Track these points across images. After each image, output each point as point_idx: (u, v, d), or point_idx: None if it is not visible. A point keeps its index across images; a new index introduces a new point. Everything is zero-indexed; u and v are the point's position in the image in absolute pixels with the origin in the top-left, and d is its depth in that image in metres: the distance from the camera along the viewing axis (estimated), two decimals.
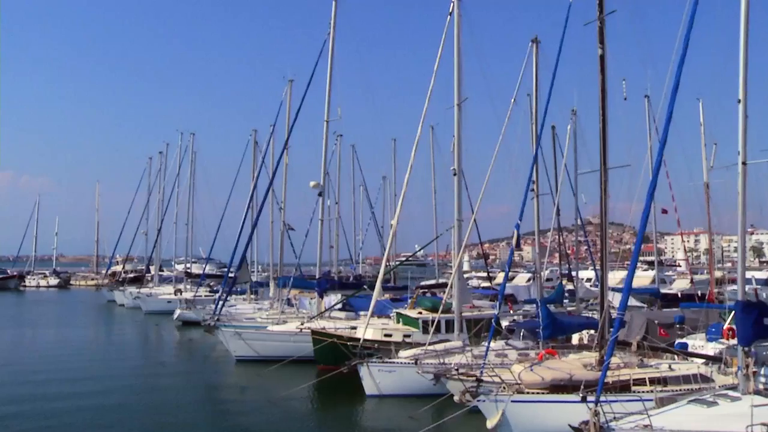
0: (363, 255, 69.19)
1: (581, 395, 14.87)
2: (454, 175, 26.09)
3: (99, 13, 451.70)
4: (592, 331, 26.88)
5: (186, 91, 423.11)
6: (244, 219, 44.29)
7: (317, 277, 36.14)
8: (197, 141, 67.90)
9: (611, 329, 21.61)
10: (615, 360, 19.97)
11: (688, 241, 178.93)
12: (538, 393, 18.02)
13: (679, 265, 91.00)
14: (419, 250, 45.31)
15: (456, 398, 18.24)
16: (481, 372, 18.68)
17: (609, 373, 18.78)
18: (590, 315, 30.37)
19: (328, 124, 34.59)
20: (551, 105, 21.01)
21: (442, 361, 22.17)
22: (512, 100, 23.67)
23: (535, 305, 34.81)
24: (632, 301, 38.23)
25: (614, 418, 14.17)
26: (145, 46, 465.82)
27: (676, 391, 17.27)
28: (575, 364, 19.26)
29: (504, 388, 18.06)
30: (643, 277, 62.74)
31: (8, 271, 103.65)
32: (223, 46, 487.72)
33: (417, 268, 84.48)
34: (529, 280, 76.87)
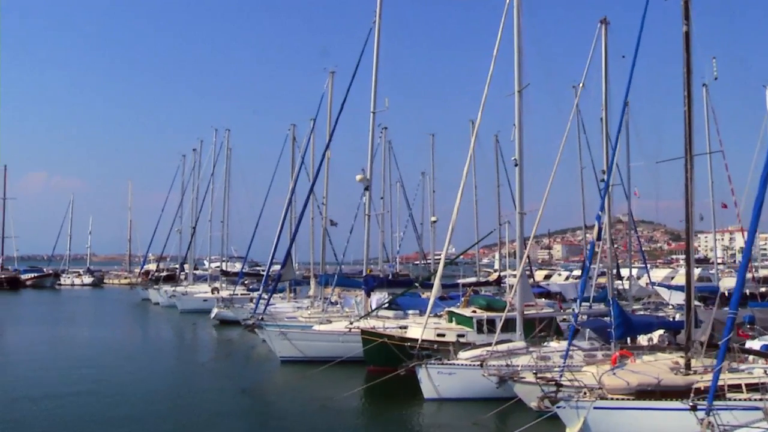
0: (400, 253, 67.93)
1: (690, 403, 13.37)
2: (516, 165, 24.64)
3: (129, 14, 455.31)
4: (661, 331, 25.46)
5: (218, 90, 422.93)
6: (284, 216, 43.20)
7: (363, 274, 34.83)
8: (235, 135, 66.79)
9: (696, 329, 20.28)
10: (702, 363, 18.47)
11: (722, 239, 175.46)
12: (622, 399, 16.54)
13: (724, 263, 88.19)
14: (472, 246, 43.84)
15: (533, 404, 16.87)
16: (560, 376, 17.21)
17: (697, 377, 17.34)
18: (659, 315, 28.68)
19: (374, 116, 33.33)
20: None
21: (508, 362, 20.76)
22: (580, 85, 22.32)
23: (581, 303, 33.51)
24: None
25: (725, 429, 12.69)
26: (177, 45, 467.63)
27: None
28: (661, 368, 17.71)
29: (585, 393, 16.63)
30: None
31: (44, 269, 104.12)
32: (255, 43, 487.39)
33: (449, 266, 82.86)
34: (567, 278, 75.28)
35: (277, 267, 46.74)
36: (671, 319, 26.89)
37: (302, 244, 48.07)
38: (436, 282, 25.96)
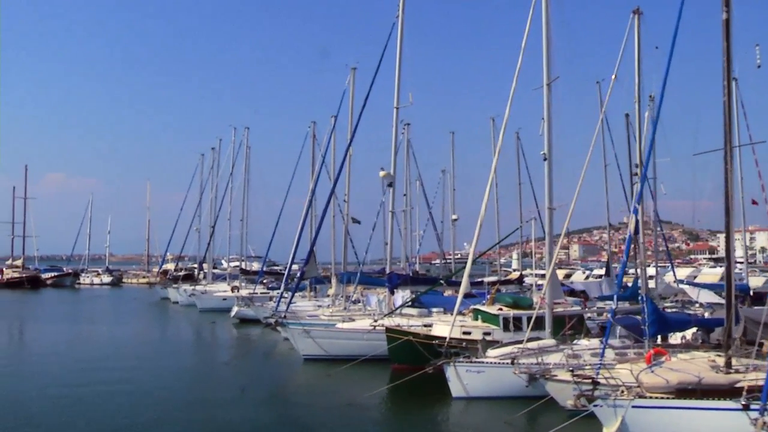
0: (420, 252, 67.35)
1: (743, 402, 12.83)
2: (545, 159, 24.17)
3: (147, 15, 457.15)
4: (694, 330, 24.90)
5: (237, 89, 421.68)
6: (306, 214, 42.88)
7: (387, 272, 34.43)
8: (253, 134, 66.61)
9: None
10: (740, 362, 17.93)
11: (740, 238, 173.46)
12: (662, 398, 16.02)
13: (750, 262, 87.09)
14: (497, 244, 43.26)
15: (569, 403, 16.37)
16: (597, 373, 16.71)
17: (739, 376, 16.81)
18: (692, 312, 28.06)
19: (398, 111, 32.92)
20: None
21: (539, 360, 20.29)
22: (613, 77, 21.75)
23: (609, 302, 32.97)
24: (716, 298, 35.87)
25: None
26: (195, 44, 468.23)
27: None
28: (702, 366, 17.16)
29: (623, 392, 16.13)
30: (711, 275, 60.02)
31: (64, 269, 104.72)
32: (275, 42, 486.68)
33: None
34: (588, 277, 74.56)
35: (296, 266, 46.70)
36: (702, 317, 26.29)
37: (321, 244, 47.69)
38: (465, 279, 25.55)
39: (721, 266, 73.89)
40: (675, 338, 24.72)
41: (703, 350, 20.83)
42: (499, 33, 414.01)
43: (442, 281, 36.63)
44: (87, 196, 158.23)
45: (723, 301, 36.59)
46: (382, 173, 33.45)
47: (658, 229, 39.26)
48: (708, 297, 35.53)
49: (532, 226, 36.36)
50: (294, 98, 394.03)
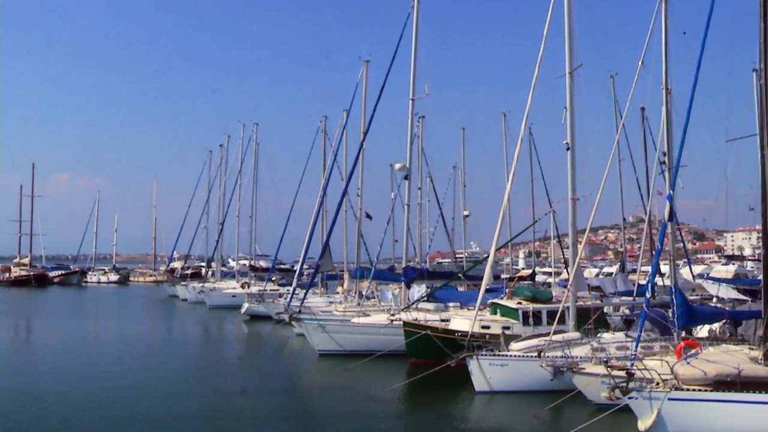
0: (431, 250, 66.59)
1: None
2: (567, 149, 23.67)
3: (152, 13, 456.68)
4: (720, 324, 24.36)
5: (245, 87, 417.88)
6: (318, 209, 42.41)
7: (403, 266, 33.92)
8: (260, 132, 66.06)
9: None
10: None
11: (749, 238, 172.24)
12: (700, 390, 15.48)
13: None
14: (514, 238, 42.72)
15: (603, 395, 15.85)
16: (632, 364, 16.19)
17: None
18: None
19: (413, 102, 32.43)
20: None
21: (566, 353, 19.79)
22: (640, 63, 21.26)
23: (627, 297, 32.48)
24: (736, 294, 35.34)
25: None
26: (201, 41, 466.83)
27: None
28: (740, 357, 16.61)
29: (658, 384, 15.60)
30: (724, 272, 59.34)
31: (71, 267, 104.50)
32: (282, 38, 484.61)
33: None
34: (597, 275, 73.91)
35: (308, 262, 46.28)
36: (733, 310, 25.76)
37: (332, 242, 47.21)
38: (488, 270, 25.10)
39: (733, 264, 73.37)
40: (699, 333, 24.21)
41: (732, 343, 20.33)
42: (508, 28, 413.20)
43: (461, 275, 36.05)
44: (92, 195, 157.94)
45: (743, 297, 36.30)
46: (398, 166, 32.95)
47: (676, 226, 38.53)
48: (728, 292, 34.92)
49: (551, 219, 35.81)
50: (303, 94, 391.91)
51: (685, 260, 46.86)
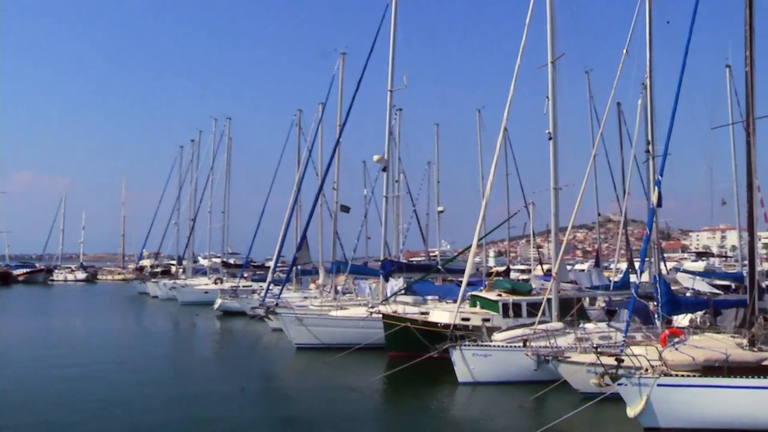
0: (404, 248, 66.19)
1: None
2: (550, 139, 23.57)
3: (118, 6, 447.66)
4: (701, 313, 24.49)
5: (216, 83, 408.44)
6: (294, 203, 41.94)
7: (381, 259, 33.60)
8: (235, 128, 65.14)
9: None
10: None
11: (714, 236, 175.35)
12: (688, 376, 15.40)
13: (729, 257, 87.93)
14: (493, 230, 42.35)
15: (593, 382, 15.69)
16: (621, 351, 16.07)
17: (766, 354, 16.29)
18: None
19: (392, 94, 32.12)
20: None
21: (551, 342, 19.65)
22: (624, 52, 21.22)
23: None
24: (710, 288, 35.65)
25: None
26: (170, 36, 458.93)
27: None
28: (728, 343, 16.60)
29: (647, 370, 15.49)
30: (695, 268, 60.13)
31: (36, 265, 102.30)
32: (254, 32, 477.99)
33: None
34: (570, 271, 74.25)
35: (281, 259, 45.80)
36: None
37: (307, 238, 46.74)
38: (470, 261, 24.86)
39: (702, 260, 74.53)
40: (679, 323, 24.29)
41: (713, 332, 20.38)
42: (484, 24, 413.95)
43: (440, 267, 35.83)
44: (57, 194, 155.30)
45: (716, 291, 36.62)
46: (376, 157, 32.64)
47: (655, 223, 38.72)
48: (702, 286, 35.21)
49: (531, 210, 35.78)
50: (279, 89, 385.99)
51: (660, 256, 47.07)
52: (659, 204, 17.06)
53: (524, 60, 23.98)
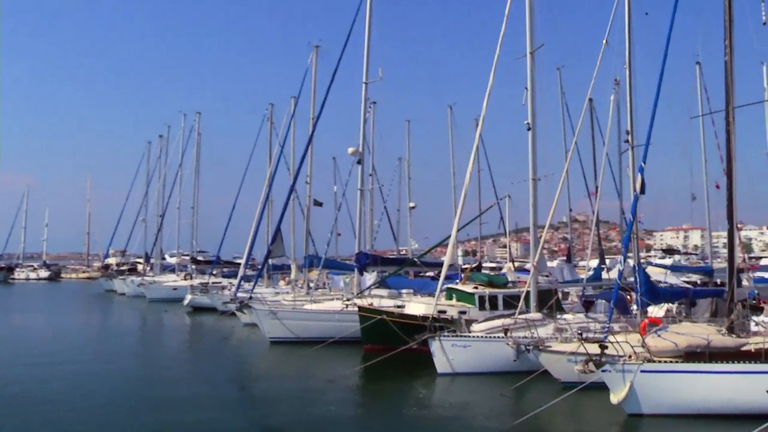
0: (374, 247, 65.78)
1: None
2: (528, 129, 23.58)
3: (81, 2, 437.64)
4: (675, 305, 24.67)
5: (186, 78, 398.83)
6: (265, 198, 41.50)
7: (356, 252, 33.28)
8: (204, 121, 64.11)
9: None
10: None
11: (677, 236, 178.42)
12: (670, 362, 15.46)
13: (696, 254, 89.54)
14: (468, 223, 42.21)
15: (578, 368, 15.65)
16: (605, 337, 16.06)
17: (745, 340, 16.44)
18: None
19: (367, 87, 31.87)
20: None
21: (532, 333, 19.62)
22: (604, 42, 21.29)
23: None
24: (680, 282, 36.11)
25: None
26: (137, 30, 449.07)
27: None
28: (709, 329, 16.70)
29: (630, 356, 15.51)
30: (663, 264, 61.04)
31: None
32: (224, 25, 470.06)
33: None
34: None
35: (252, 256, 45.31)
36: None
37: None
38: (449, 253, 24.80)
39: (669, 257, 75.72)
40: (656, 314, 24.45)
41: (690, 322, 20.55)
42: (454, 21, 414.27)
43: (416, 260, 35.71)
44: (18, 192, 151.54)
45: (687, 285, 37.05)
46: (350, 150, 32.36)
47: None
48: (673, 279, 35.62)
49: (507, 203, 35.88)
50: (250, 83, 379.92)
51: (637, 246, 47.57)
52: (642, 191, 17.13)
53: (499, 52, 23.99)
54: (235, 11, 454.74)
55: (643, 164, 16.72)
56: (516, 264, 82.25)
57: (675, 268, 40.10)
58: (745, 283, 22.08)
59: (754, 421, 13.54)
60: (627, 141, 21.62)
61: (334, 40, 31.53)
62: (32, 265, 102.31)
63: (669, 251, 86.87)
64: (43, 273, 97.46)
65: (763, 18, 16.43)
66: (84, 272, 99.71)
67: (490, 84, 23.11)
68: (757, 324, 18.85)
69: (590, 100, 42.17)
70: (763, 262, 59.60)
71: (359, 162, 32.27)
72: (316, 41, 38.83)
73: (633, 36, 21.75)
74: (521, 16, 24.48)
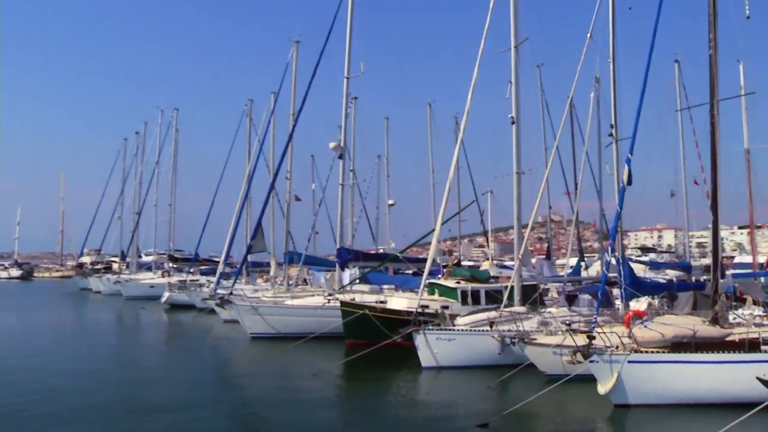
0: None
1: None
2: (513, 123, 23.60)
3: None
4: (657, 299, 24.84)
5: (161, 76, 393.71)
6: (245, 196, 41.20)
7: (337, 247, 33.05)
8: (181, 118, 63.43)
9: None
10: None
11: (651, 236, 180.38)
12: (658, 352, 15.51)
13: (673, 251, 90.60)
14: (451, 218, 42.00)
15: (566, 359, 15.64)
16: (592, 328, 16.07)
17: (729, 330, 16.56)
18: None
19: (348, 81, 31.70)
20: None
21: (517, 326, 19.59)
22: (588, 36, 21.38)
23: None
24: (658, 278, 36.45)
25: None
26: (112, 20, 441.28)
27: None
28: (695, 320, 16.80)
29: (618, 347, 15.52)
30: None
31: None
32: (207, 22, 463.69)
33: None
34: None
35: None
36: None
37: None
38: (433, 245, 24.74)
39: (645, 255, 76.42)
40: (638, 307, 24.61)
41: (672, 315, 20.70)
42: (433, 21, 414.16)
43: (398, 255, 35.58)
44: None
45: (664, 282, 37.34)
46: (332, 144, 32.19)
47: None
48: (652, 275, 35.96)
49: (489, 199, 35.90)
50: (229, 79, 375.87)
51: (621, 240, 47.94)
52: (629, 182, 17.19)
53: (483, 46, 23.96)
54: (213, 5, 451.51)
55: (630, 155, 16.80)
56: (495, 263, 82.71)
57: (654, 265, 40.50)
58: (721, 280, 22.37)
59: (740, 410, 13.59)
60: (611, 134, 21.73)
61: (315, 35, 31.22)
62: (3, 264, 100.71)
63: (645, 249, 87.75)
64: (15, 272, 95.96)
65: (747, 12, 16.57)
66: (57, 271, 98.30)
67: (474, 78, 23.08)
68: (736, 317, 19.09)
69: (571, 97, 42.56)
70: (737, 260, 60.68)
71: (341, 157, 32.11)
72: (296, 36, 38.70)
73: (616, 30, 21.85)
74: (504, 13, 24.57)
